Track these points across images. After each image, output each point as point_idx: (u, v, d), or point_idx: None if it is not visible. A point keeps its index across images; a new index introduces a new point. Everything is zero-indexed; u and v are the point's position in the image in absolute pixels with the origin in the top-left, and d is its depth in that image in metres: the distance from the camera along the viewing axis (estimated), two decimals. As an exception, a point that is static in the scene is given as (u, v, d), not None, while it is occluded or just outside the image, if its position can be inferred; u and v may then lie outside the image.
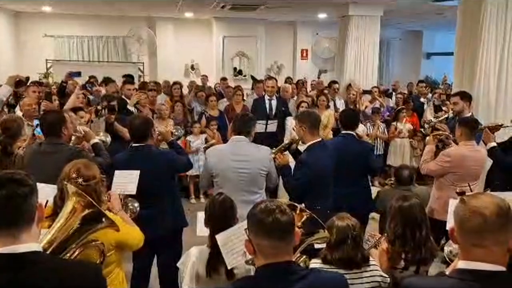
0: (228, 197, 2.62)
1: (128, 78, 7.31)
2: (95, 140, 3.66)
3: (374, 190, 5.88)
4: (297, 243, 1.67)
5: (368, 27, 9.19)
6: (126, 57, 12.48)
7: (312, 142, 3.58)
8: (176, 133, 3.81)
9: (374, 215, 4.36)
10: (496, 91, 5.56)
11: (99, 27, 12.25)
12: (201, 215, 2.73)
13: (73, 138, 3.62)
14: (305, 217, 1.88)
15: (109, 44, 12.45)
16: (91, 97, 6.46)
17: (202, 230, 2.62)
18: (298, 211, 1.89)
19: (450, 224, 2.19)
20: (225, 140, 6.16)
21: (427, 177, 5.64)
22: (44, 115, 3.63)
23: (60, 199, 2.10)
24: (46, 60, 11.46)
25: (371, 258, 2.49)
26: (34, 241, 1.46)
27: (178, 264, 2.54)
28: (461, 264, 1.49)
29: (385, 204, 3.83)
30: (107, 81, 7.23)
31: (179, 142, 4.49)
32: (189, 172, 6.50)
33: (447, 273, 1.76)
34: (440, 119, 5.15)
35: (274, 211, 1.58)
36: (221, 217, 2.50)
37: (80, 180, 2.15)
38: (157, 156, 3.42)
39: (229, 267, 2.25)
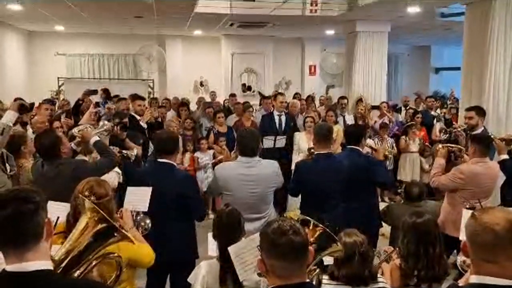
0: (235, 208, 2.65)
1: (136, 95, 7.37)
2: (95, 138, 3.55)
3: (384, 205, 5.87)
4: (311, 261, 1.64)
5: (376, 43, 9.24)
6: (136, 74, 12.69)
7: (318, 152, 3.66)
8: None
9: (384, 231, 4.32)
10: (506, 105, 5.54)
11: (110, 45, 12.50)
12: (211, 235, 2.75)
13: (72, 145, 3.62)
14: (318, 232, 1.87)
15: (119, 61, 12.68)
16: (101, 111, 6.54)
17: (214, 250, 2.63)
18: (311, 226, 1.88)
19: (463, 234, 2.17)
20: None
21: (437, 192, 5.61)
22: (38, 138, 3.45)
23: (73, 218, 2.13)
24: (58, 78, 11.68)
25: (379, 274, 2.47)
26: (43, 258, 1.44)
27: (188, 279, 2.54)
28: (473, 278, 1.48)
29: (395, 219, 3.82)
30: (118, 98, 7.32)
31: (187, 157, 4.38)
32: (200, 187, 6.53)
33: (460, 284, 1.74)
34: (458, 129, 5.14)
35: (288, 232, 1.53)
36: (228, 228, 2.52)
37: (92, 198, 2.18)
38: (179, 177, 3.35)
39: (241, 279, 2.24)
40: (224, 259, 2.34)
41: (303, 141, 6.09)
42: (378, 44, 9.25)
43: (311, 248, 1.60)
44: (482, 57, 5.68)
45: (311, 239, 1.82)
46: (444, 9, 8.10)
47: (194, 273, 2.53)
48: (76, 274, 1.70)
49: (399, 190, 4.20)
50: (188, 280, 2.54)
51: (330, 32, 11.25)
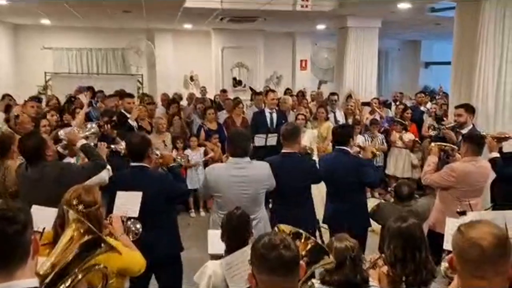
0: (245, 211, 2.69)
1: (124, 92, 7.30)
2: (82, 142, 3.48)
3: (374, 201, 5.89)
4: (302, 276, 1.61)
5: (367, 38, 9.23)
6: (125, 69, 12.52)
7: (284, 151, 3.81)
8: (179, 161, 3.70)
9: (375, 227, 4.33)
10: (494, 101, 5.56)
11: (98, 39, 12.30)
12: (212, 233, 2.75)
13: (59, 148, 3.55)
14: (310, 245, 1.84)
15: (108, 56, 12.48)
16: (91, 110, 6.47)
17: (214, 248, 2.64)
18: (303, 239, 1.85)
19: (448, 244, 2.17)
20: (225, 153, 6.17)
21: (427, 187, 5.64)
22: (22, 140, 3.34)
23: (60, 227, 2.08)
24: (45, 72, 11.50)
25: (370, 279, 2.46)
26: (30, 276, 1.44)
27: (194, 278, 2.55)
28: (462, 294, 1.47)
29: (385, 219, 3.82)
30: (107, 95, 7.24)
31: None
32: (189, 186, 6.49)
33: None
34: (448, 126, 5.17)
35: (278, 246, 1.51)
36: (238, 230, 2.55)
37: (80, 206, 2.13)
38: (153, 179, 3.30)
39: None
40: None
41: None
42: (369, 40, 9.25)
43: (302, 262, 1.57)
44: (472, 53, 5.69)
45: (303, 252, 1.79)
46: (434, 4, 8.10)
47: (200, 273, 2.54)
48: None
49: (389, 188, 4.20)
50: (194, 279, 2.55)
51: (321, 27, 11.21)
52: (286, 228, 1.88)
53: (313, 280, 2.41)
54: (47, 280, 1.65)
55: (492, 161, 4.19)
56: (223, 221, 2.64)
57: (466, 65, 5.80)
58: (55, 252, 1.63)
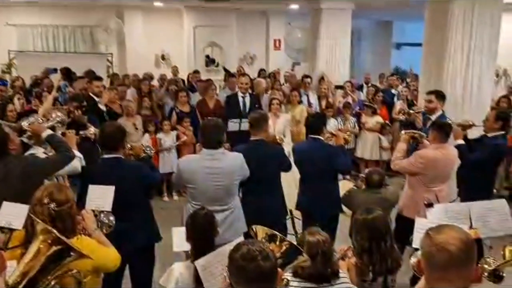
0: (210, 211, 2.66)
1: (94, 74, 7.06)
2: (47, 132, 3.35)
3: (344, 183, 6.01)
4: (279, 282, 1.63)
5: (340, 20, 9.21)
6: (94, 47, 12.11)
7: (253, 139, 3.85)
8: (148, 152, 3.64)
9: (347, 210, 4.44)
10: (462, 89, 5.69)
11: (65, 16, 11.78)
12: (176, 230, 2.73)
13: (24, 139, 3.42)
14: (284, 247, 1.88)
15: (75, 34, 12.02)
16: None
17: (179, 246, 2.62)
18: (278, 242, 1.88)
19: (417, 242, 2.26)
20: (197, 137, 6.11)
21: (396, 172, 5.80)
22: None
23: (31, 226, 2.03)
24: (9, 50, 11.02)
25: (340, 271, 2.54)
26: None
27: (161, 281, 2.53)
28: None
29: (356, 205, 3.93)
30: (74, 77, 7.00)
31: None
32: (162, 170, 6.44)
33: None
34: (417, 111, 5.29)
35: (256, 258, 1.51)
36: (204, 231, 2.53)
37: (52, 205, 2.08)
38: (128, 170, 3.26)
39: None
40: None
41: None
42: (342, 22, 9.23)
43: (279, 270, 1.59)
44: (442, 39, 5.76)
45: (278, 254, 1.82)
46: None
47: (167, 275, 2.52)
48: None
49: (360, 175, 4.30)
50: (161, 282, 2.54)
51: (294, 6, 11.11)
52: (261, 230, 1.90)
53: (286, 274, 2.47)
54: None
55: (458, 148, 4.33)
56: (187, 221, 2.61)
57: (437, 50, 5.88)
58: (24, 262, 1.60)
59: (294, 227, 4.12)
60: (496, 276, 2.18)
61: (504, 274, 2.21)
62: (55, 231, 1.61)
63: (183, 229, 2.65)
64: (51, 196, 2.15)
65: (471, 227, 2.66)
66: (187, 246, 2.59)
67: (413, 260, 2.15)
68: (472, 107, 5.64)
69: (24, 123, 3.44)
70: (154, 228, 3.46)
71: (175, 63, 11.51)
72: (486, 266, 2.19)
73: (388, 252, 2.65)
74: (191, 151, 6.45)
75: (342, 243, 3.72)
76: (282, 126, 6.19)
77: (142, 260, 3.37)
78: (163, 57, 12.53)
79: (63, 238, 1.62)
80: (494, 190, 5.80)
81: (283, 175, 4.07)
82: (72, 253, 1.65)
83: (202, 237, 2.47)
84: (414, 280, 3.25)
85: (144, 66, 10.80)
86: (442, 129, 4.12)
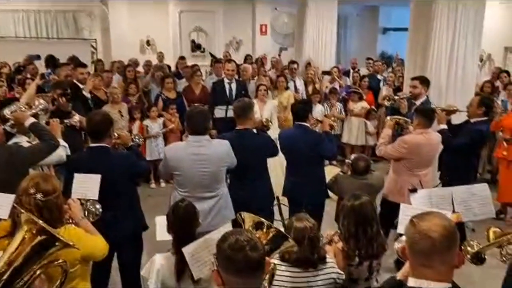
0: (191, 203, 2.66)
1: (78, 61, 6.93)
2: (30, 120, 3.29)
3: (331, 168, 6.06)
4: (267, 270, 1.65)
5: (326, 5, 9.18)
6: (77, 33, 11.86)
7: (238, 128, 3.82)
8: (137, 140, 3.60)
9: (332, 195, 4.48)
10: (447, 74, 5.73)
11: (47, 1, 11.49)
12: (160, 219, 2.73)
13: (7, 127, 3.37)
14: (271, 234, 1.90)
15: (58, 19, 11.75)
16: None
17: (162, 235, 2.62)
18: (265, 229, 1.90)
19: (401, 227, 2.31)
20: (183, 124, 6.08)
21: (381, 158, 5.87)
22: None
23: (17, 216, 2.02)
24: (-11, 36, 10.76)
25: (327, 255, 2.58)
26: None
27: (142, 273, 2.54)
28: (411, 281, 1.58)
29: (342, 191, 4.00)
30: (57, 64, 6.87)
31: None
32: (149, 157, 6.42)
33: (398, 278, 1.86)
34: (402, 97, 5.34)
35: (245, 248, 1.51)
36: (185, 223, 2.53)
37: (39, 195, 2.07)
38: (116, 159, 3.25)
39: (195, 278, 2.27)
40: (181, 253, 2.34)
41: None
42: (329, 7, 9.20)
43: (268, 259, 1.61)
44: (427, 25, 5.78)
45: (265, 241, 1.84)
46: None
47: (148, 267, 2.53)
48: (19, 285, 1.65)
49: (346, 160, 4.34)
50: (142, 274, 2.55)
51: (281, -9, 11.03)
52: (248, 217, 1.92)
53: (273, 260, 2.50)
54: (5, 277, 1.64)
55: (441, 132, 4.40)
56: (169, 213, 2.61)
57: (422, 36, 5.90)
58: (8, 252, 1.59)
59: (281, 213, 4.14)
60: (478, 258, 2.25)
61: (486, 257, 2.28)
62: (39, 221, 1.60)
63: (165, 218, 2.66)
64: (37, 186, 2.14)
65: (453, 211, 2.73)
66: (170, 236, 2.61)
67: (397, 245, 2.20)
68: (456, 92, 5.70)
69: (6, 111, 3.37)
70: (141, 217, 3.46)
71: (161, 49, 11.35)
72: (469, 248, 2.26)
73: (374, 237, 2.72)
74: (178, 138, 6.44)
75: (328, 227, 3.79)
76: (269, 112, 6.20)
77: (130, 248, 3.38)
78: (148, 43, 12.35)
79: (48, 227, 1.61)
80: (478, 174, 5.94)
81: (270, 161, 4.09)
82: (57, 243, 1.65)
83: (183, 228, 2.48)
84: (399, 263, 3.33)
85: (129, 52, 10.64)
86: (426, 114, 4.17)
